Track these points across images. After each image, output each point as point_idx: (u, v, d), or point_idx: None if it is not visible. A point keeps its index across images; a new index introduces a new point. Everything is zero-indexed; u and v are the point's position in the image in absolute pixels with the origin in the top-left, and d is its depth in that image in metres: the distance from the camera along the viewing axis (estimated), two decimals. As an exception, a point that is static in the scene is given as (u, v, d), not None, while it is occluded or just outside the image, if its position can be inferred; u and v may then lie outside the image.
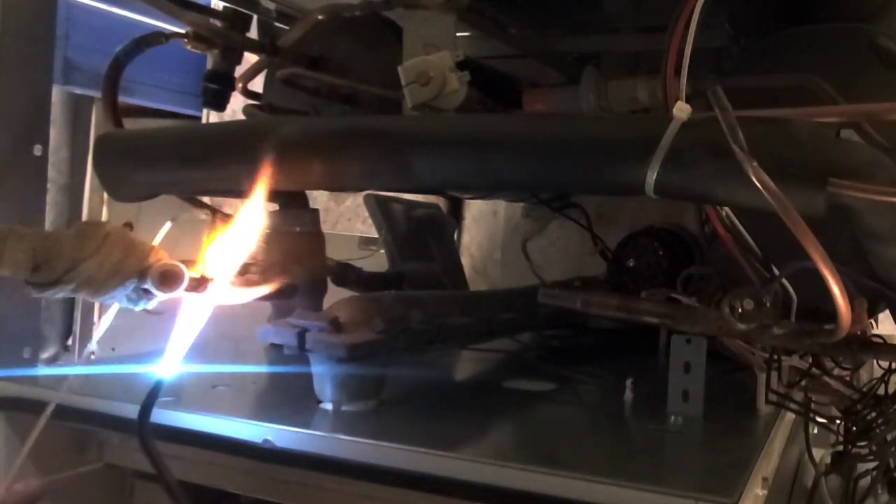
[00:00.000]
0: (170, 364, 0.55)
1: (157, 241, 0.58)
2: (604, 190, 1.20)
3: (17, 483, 0.61)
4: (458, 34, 0.88)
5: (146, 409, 0.55)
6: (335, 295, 1.02)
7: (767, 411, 0.84)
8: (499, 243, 1.73)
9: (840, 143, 0.62)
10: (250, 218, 0.57)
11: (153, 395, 0.55)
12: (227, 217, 1.03)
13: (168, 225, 0.59)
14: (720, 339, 0.79)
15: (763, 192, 0.54)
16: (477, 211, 1.78)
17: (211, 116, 1.59)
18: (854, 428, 0.96)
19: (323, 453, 0.68)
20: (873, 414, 0.95)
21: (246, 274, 0.93)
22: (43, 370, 0.89)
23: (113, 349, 0.98)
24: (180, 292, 0.54)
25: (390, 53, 0.88)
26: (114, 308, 0.57)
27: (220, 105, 1.07)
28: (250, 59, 1.05)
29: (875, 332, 0.96)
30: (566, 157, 0.65)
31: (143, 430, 0.55)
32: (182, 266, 0.54)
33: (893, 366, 1.01)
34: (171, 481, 0.56)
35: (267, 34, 1.11)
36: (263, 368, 0.97)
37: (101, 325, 0.63)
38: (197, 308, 0.55)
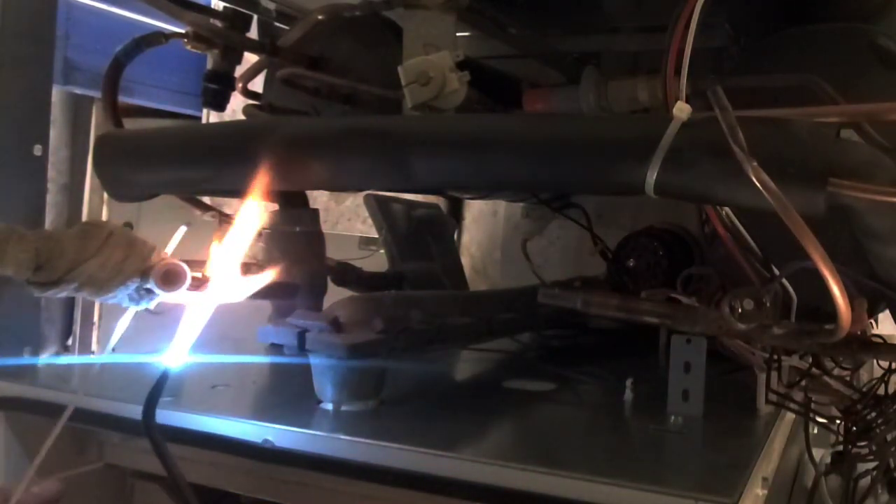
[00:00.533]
0: (177, 354, 0.55)
1: (171, 245, 0.58)
2: (604, 190, 1.21)
3: (34, 486, 0.61)
4: (458, 34, 0.88)
5: (153, 397, 0.54)
6: (335, 295, 1.02)
7: (767, 411, 0.84)
8: (499, 243, 1.73)
9: (840, 143, 0.62)
10: (250, 218, 0.57)
11: (160, 383, 0.55)
12: (228, 218, 1.03)
13: (183, 229, 0.59)
14: (720, 339, 0.79)
15: (763, 192, 0.54)
16: (477, 211, 1.78)
17: (211, 116, 1.58)
18: (854, 428, 0.96)
19: (323, 453, 0.68)
20: (873, 414, 0.95)
21: (247, 274, 0.93)
22: (57, 358, 0.88)
23: (113, 350, 0.98)
24: (183, 292, 0.54)
25: (390, 53, 0.88)
26: (130, 312, 0.57)
27: (220, 105, 1.07)
28: (250, 59, 1.05)
29: (875, 332, 0.96)
30: (566, 157, 0.65)
31: (149, 420, 0.55)
32: (184, 265, 0.54)
33: (893, 366, 1.01)
34: (176, 471, 0.55)
35: (267, 34, 1.11)
36: (269, 359, 0.97)
37: (119, 329, 0.63)
38: (202, 305, 0.55)
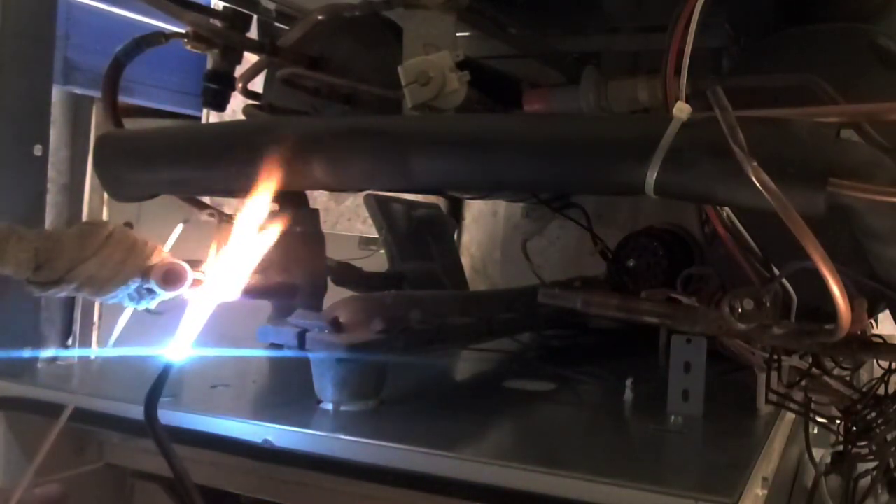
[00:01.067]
0: (179, 348, 0.54)
1: (170, 242, 0.58)
2: (604, 190, 1.21)
3: (36, 488, 0.61)
4: (458, 34, 0.88)
5: (155, 390, 0.54)
6: (335, 295, 1.02)
7: (767, 411, 0.84)
8: (499, 243, 1.73)
9: (840, 143, 0.62)
10: (256, 219, 0.57)
11: (163, 376, 0.54)
12: (228, 217, 1.03)
13: (180, 227, 0.59)
14: (720, 339, 0.79)
15: (763, 192, 0.54)
16: (477, 211, 1.78)
17: (211, 116, 1.58)
18: (854, 428, 0.96)
19: (323, 453, 0.68)
20: (873, 414, 0.95)
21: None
22: (65, 352, 0.88)
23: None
24: (183, 291, 0.54)
25: (390, 53, 0.88)
26: (128, 311, 0.58)
27: (220, 105, 1.07)
28: (250, 59, 1.05)
29: (875, 332, 0.96)
30: (566, 157, 0.65)
31: (151, 412, 0.54)
32: (185, 265, 0.54)
33: (893, 366, 1.01)
34: (177, 463, 0.55)
35: (267, 34, 1.11)
36: (271, 353, 0.96)
37: (118, 327, 0.63)
38: (204, 301, 0.55)
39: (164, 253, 0.55)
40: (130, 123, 0.99)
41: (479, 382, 1.06)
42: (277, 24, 1.16)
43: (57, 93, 1.61)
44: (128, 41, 0.98)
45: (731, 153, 0.56)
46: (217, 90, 1.05)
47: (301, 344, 0.77)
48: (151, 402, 0.54)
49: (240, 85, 1.03)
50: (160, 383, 0.54)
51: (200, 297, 0.55)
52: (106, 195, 1.71)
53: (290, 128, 0.75)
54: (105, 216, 1.80)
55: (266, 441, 0.70)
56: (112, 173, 0.86)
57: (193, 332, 0.55)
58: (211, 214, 1.02)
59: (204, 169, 0.80)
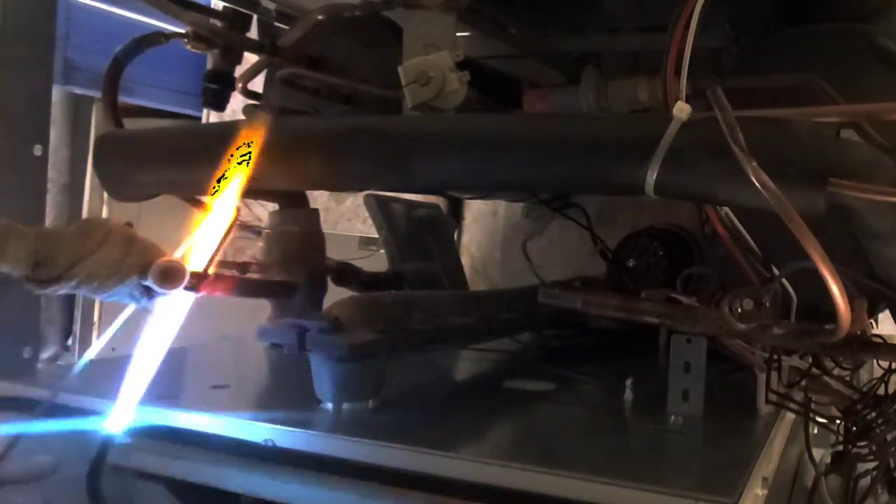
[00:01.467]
0: (120, 417, 0.54)
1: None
2: (604, 190, 1.21)
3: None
4: (458, 34, 0.88)
5: (96, 467, 0.54)
6: (335, 295, 1.02)
7: (767, 411, 0.84)
8: (499, 243, 1.73)
9: (840, 143, 0.62)
10: (224, 210, 0.57)
11: (102, 453, 0.54)
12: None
13: None
14: (720, 339, 0.79)
15: (763, 192, 0.54)
16: (477, 211, 1.78)
17: (211, 116, 1.58)
18: (854, 428, 0.96)
19: (323, 453, 0.68)
20: (873, 414, 0.95)
21: (246, 273, 0.94)
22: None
23: (113, 349, 0.98)
24: (181, 290, 0.54)
25: (390, 53, 0.88)
26: (128, 310, 0.57)
27: (220, 105, 1.07)
28: (250, 59, 1.05)
29: (875, 332, 0.96)
30: (566, 157, 0.65)
31: (94, 487, 0.54)
32: (184, 263, 0.54)
33: (893, 366, 1.01)
34: None
35: (267, 34, 1.11)
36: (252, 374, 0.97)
37: (113, 327, 0.62)
38: (172, 310, 0.55)
39: (162, 250, 0.55)
40: (130, 123, 0.99)
41: (479, 382, 1.06)
42: (277, 24, 1.16)
43: (57, 93, 1.61)
44: (128, 41, 0.98)
45: (731, 153, 0.56)
46: (217, 90, 1.05)
47: (301, 344, 0.77)
48: (95, 482, 0.54)
49: (240, 85, 1.03)
50: (100, 461, 0.54)
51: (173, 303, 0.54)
52: (106, 195, 1.71)
53: (290, 128, 0.75)
54: (105, 216, 1.80)
55: (267, 441, 0.70)
56: (112, 173, 0.86)
57: (139, 391, 0.54)
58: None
59: (204, 169, 0.80)
